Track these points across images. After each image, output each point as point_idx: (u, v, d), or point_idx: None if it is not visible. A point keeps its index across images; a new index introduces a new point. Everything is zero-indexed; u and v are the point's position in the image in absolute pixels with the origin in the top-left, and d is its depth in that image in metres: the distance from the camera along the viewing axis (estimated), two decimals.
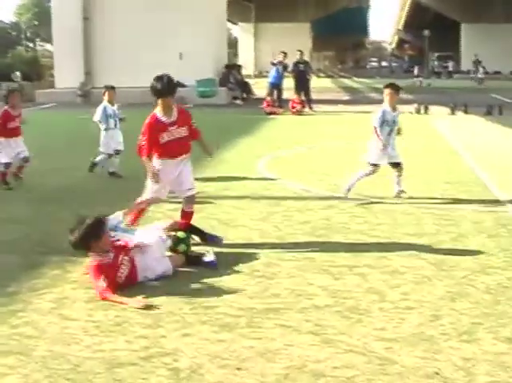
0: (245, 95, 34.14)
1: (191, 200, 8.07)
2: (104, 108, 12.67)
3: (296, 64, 28.04)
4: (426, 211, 9.35)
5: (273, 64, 28.15)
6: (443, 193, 10.76)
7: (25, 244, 7.99)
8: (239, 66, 38.92)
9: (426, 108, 26.09)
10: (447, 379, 4.59)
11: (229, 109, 28.69)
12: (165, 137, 7.68)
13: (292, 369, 4.77)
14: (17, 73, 41.02)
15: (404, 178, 10.48)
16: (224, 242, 7.97)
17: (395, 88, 10.36)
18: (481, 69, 54.24)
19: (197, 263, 7.11)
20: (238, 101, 32.79)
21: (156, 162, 7.76)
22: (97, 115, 12.69)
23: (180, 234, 7.53)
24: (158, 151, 7.73)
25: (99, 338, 5.36)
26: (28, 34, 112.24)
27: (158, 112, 7.73)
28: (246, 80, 37.25)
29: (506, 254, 7.48)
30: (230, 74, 34.71)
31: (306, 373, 4.71)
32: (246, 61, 71.11)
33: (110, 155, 12.58)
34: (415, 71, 52.45)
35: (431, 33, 73.50)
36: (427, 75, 58.87)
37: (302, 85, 27.45)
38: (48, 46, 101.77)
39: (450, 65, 71.77)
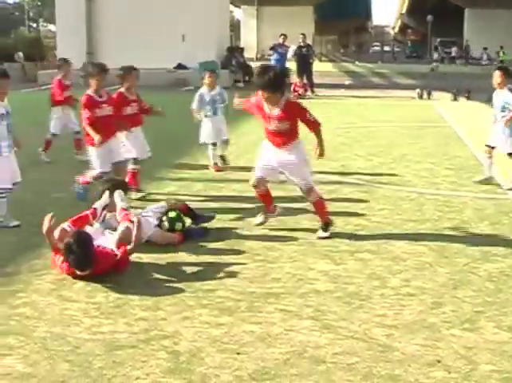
0: (247, 78, 33.98)
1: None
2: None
3: (298, 47, 27.91)
4: (428, 197, 9.32)
5: (272, 48, 28.03)
6: (446, 179, 10.72)
7: (24, 225, 7.94)
8: (241, 49, 38.69)
9: (429, 94, 25.98)
10: (448, 367, 4.57)
11: (231, 92, 28.56)
12: None
13: (292, 354, 4.75)
14: (20, 54, 40.89)
15: (407, 164, 10.43)
16: (226, 225, 7.96)
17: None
18: (485, 56, 54.08)
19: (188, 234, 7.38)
20: (239, 84, 32.63)
21: None
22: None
23: (171, 214, 7.55)
24: None
25: (99, 320, 5.34)
26: (31, 15, 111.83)
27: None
28: (249, 63, 37.06)
29: (508, 241, 7.46)
30: (233, 57, 34.53)
31: (306, 358, 4.69)
32: (249, 43, 70.82)
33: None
34: (435, 55, 52.07)
35: (434, 19, 73.14)
36: (429, 60, 58.52)
37: (304, 69, 27.32)
38: (51, 27, 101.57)
39: (453, 50, 71.48)
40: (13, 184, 8.05)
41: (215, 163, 11.39)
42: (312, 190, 7.60)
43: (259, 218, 7.94)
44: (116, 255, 6.30)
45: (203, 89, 11.39)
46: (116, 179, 8.07)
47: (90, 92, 8.83)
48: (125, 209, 7.03)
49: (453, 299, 5.77)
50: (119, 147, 9.12)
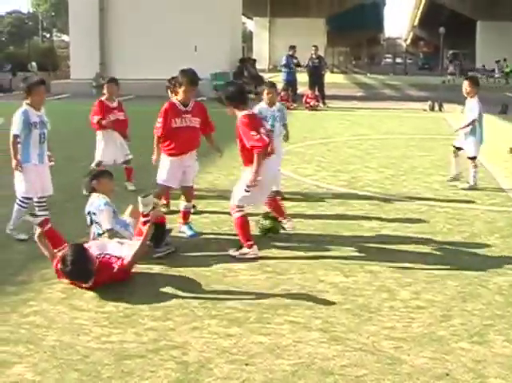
0: (258, 89, 34.08)
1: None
2: None
3: (311, 59, 27.99)
4: (439, 210, 9.30)
5: (286, 65, 28.06)
6: (457, 192, 10.70)
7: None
8: (253, 60, 38.81)
9: (440, 106, 25.95)
10: (456, 380, 4.57)
11: None
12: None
13: (300, 365, 4.75)
14: (34, 64, 41.17)
15: (418, 176, 10.43)
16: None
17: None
18: (497, 69, 54.11)
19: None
20: (251, 95, 32.73)
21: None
22: None
23: (266, 221, 8.09)
24: None
25: (108, 329, 5.36)
26: (45, 25, 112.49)
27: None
28: (260, 74, 37.15)
29: None
30: (245, 68, 34.65)
31: (314, 370, 4.69)
32: (261, 55, 71.04)
33: None
34: (450, 68, 52.08)
35: (446, 31, 73.16)
36: (440, 72, 58.53)
37: (316, 81, 27.40)
38: (64, 37, 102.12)
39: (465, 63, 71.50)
40: (40, 197, 8.02)
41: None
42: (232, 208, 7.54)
43: (288, 223, 8.00)
44: (114, 268, 6.31)
45: (262, 105, 10.01)
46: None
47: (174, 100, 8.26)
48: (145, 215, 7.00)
49: (462, 312, 5.76)
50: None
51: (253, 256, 7.24)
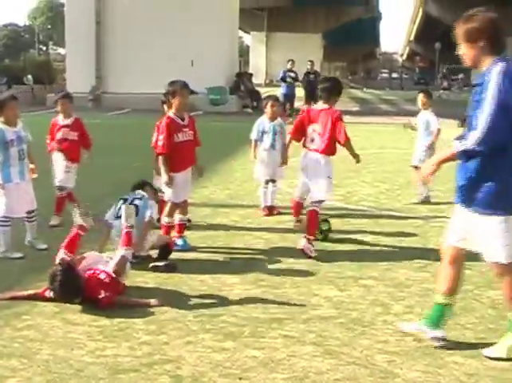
0: (255, 103, 34.17)
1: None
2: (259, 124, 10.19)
3: (306, 74, 28.13)
4: (434, 225, 9.32)
5: (282, 79, 28.21)
6: (451, 207, 10.69)
7: (31, 247, 8.00)
8: (250, 75, 38.97)
9: None
10: None
11: (239, 117, 28.69)
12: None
13: (294, 379, 4.76)
14: (29, 77, 41.23)
15: (413, 191, 10.47)
16: (232, 251, 8.03)
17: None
18: None
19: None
20: (248, 109, 32.83)
21: None
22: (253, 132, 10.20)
23: (325, 226, 8.57)
24: None
25: (102, 343, 5.36)
26: (41, 38, 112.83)
27: None
28: (257, 88, 37.28)
29: None
30: (241, 82, 34.76)
31: None
32: (258, 69, 71.22)
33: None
34: (444, 83, 52.33)
35: (442, 46, 73.47)
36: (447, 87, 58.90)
37: (312, 95, 27.46)
38: (60, 50, 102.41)
39: (461, 77, 71.84)
40: (28, 212, 8.01)
41: (268, 207, 10.11)
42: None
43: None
44: (101, 279, 6.28)
45: (264, 118, 10.10)
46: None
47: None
48: (129, 227, 7.00)
49: (455, 326, 5.77)
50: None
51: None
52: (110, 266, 6.44)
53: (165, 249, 7.46)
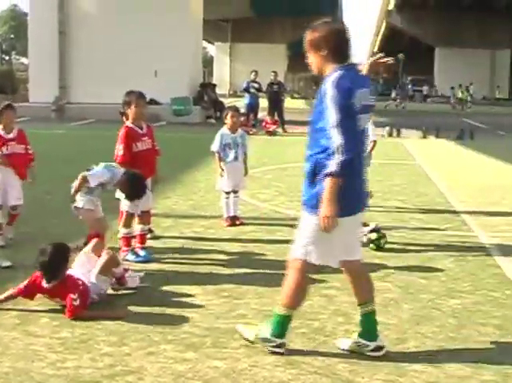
0: (218, 114, 34.18)
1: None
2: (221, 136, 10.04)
3: (270, 84, 28.23)
4: (394, 234, 9.39)
5: (246, 90, 28.34)
6: (413, 216, 10.85)
7: None
8: (214, 85, 38.95)
9: (398, 131, 26.32)
10: None
11: (203, 128, 28.70)
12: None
13: None
14: None
15: (376, 201, 10.55)
16: (193, 261, 8.02)
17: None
18: (451, 96, 55.41)
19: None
20: (211, 120, 32.83)
21: None
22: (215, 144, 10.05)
23: (373, 236, 8.58)
24: None
25: (63, 355, 5.32)
26: (3, 47, 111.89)
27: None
28: (221, 99, 37.30)
29: (472, 278, 7.56)
30: (205, 93, 34.76)
31: None
32: (222, 80, 71.37)
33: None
34: (393, 94, 53.07)
35: (406, 57, 74.20)
36: (402, 98, 59.45)
37: (276, 106, 27.64)
38: (23, 60, 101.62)
39: (425, 89, 72.64)
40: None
41: (230, 217, 10.03)
42: None
43: None
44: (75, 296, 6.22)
45: (225, 130, 10.04)
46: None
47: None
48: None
49: (416, 335, 5.83)
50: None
51: None
52: (93, 273, 6.52)
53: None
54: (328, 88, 4.97)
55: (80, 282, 6.39)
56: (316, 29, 5.23)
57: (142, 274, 7.14)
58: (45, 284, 6.28)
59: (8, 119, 8.71)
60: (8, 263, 7.67)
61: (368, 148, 10.62)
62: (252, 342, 5.49)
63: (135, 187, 7.43)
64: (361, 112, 5.04)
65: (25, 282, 6.38)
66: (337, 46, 5.15)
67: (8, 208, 8.67)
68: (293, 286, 5.42)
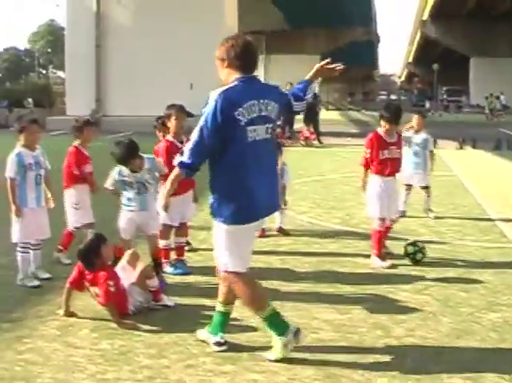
0: None
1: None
2: None
3: None
4: (434, 247, 9.31)
5: None
6: (451, 228, 10.76)
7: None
8: None
9: (434, 142, 26.08)
10: None
11: None
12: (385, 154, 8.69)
13: None
14: (30, 100, 41.45)
15: (413, 213, 10.49)
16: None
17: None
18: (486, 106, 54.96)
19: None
20: None
21: None
22: None
23: (410, 249, 8.59)
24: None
25: (103, 367, 5.36)
26: (41, 61, 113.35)
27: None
28: None
29: None
30: None
31: None
32: None
33: None
34: (427, 105, 52.85)
35: (440, 67, 73.85)
36: (436, 108, 59.19)
37: (311, 117, 27.59)
38: (60, 73, 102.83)
39: (463, 99, 72.23)
40: (42, 240, 7.86)
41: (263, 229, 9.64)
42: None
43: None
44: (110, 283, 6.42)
45: None
46: None
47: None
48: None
49: (456, 349, 5.78)
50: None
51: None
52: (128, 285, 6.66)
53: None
54: (211, 98, 5.25)
55: (120, 281, 6.56)
56: (223, 42, 5.49)
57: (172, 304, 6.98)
58: (86, 271, 6.51)
59: (88, 135, 8.70)
60: (47, 275, 7.76)
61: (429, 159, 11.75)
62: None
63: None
64: (253, 123, 5.26)
65: (71, 275, 6.63)
66: (237, 59, 5.38)
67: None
68: (244, 296, 5.66)
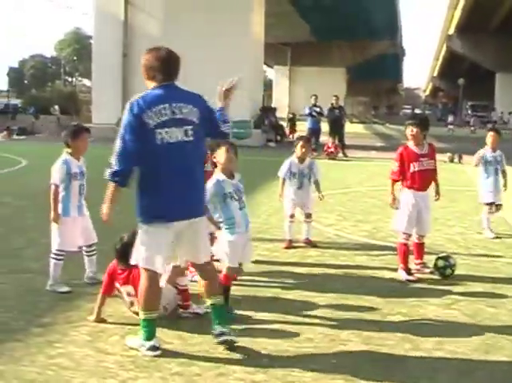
0: (279, 138, 34.33)
1: None
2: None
3: (331, 109, 28.22)
4: (461, 262, 9.28)
5: (309, 114, 28.24)
6: (478, 244, 10.73)
7: (62, 276, 8.05)
8: (274, 109, 39.17)
9: (460, 157, 26.04)
10: None
11: (263, 151, 28.87)
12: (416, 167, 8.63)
13: None
14: (56, 107, 41.84)
15: (440, 228, 10.48)
16: (258, 284, 8.06)
17: None
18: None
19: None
20: (271, 143, 32.98)
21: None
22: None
23: (440, 263, 8.59)
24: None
25: (134, 373, 5.42)
26: (67, 69, 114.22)
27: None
28: (281, 123, 37.44)
29: None
30: (265, 117, 34.94)
31: None
32: (281, 103, 71.54)
33: None
34: (449, 119, 52.73)
35: (465, 82, 73.61)
36: (459, 123, 58.94)
37: (336, 131, 27.61)
38: (86, 81, 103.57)
39: (493, 114, 71.72)
40: (88, 246, 7.96)
41: (290, 240, 10.12)
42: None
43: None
44: None
45: (294, 159, 10.20)
46: None
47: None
48: None
49: (485, 364, 5.78)
50: None
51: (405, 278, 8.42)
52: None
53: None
54: (127, 105, 5.71)
55: None
56: (143, 55, 5.98)
57: (204, 309, 6.84)
58: (119, 270, 6.64)
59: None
60: (67, 289, 7.70)
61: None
62: (136, 349, 5.83)
63: None
64: (164, 126, 5.60)
65: (103, 283, 6.74)
66: (153, 69, 5.84)
67: None
68: (142, 291, 5.86)
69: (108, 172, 5.64)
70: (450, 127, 49.90)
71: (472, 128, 50.62)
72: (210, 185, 6.79)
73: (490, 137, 11.84)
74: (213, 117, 6.06)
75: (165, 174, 5.62)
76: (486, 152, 11.84)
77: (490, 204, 11.64)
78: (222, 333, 5.96)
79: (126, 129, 5.63)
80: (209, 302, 6.09)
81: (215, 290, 6.09)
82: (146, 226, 5.75)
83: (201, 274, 6.15)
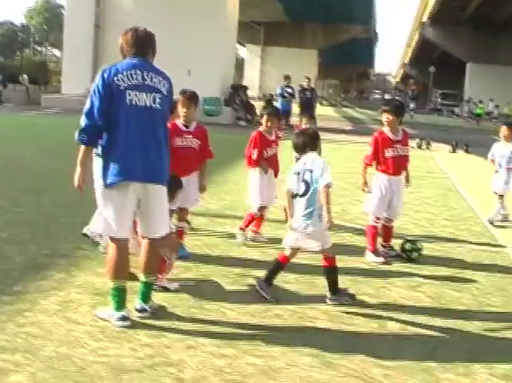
0: (249, 116, 34.29)
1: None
2: None
3: (302, 90, 28.26)
4: (426, 247, 9.42)
5: (280, 95, 28.31)
6: (444, 230, 10.90)
7: (32, 246, 8.07)
8: (245, 87, 39.06)
9: (428, 144, 26.27)
10: None
11: (233, 130, 28.86)
12: None
13: None
14: (25, 76, 41.32)
15: (407, 213, 10.61)
16: (228, 260, 8.12)
17: None
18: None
19: None
20: (242, 122, 32.95)
21: None
22: None
23: (407, 246, 8.77)
24: None
25: (104, 343, 5.46)
26: (37, 38, 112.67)
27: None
28: (251, 102, 37.39)
29: (502, 293, 7.63)
30: (236, 95, 34.88)
31: None
32: (252, 82, 71.40)
33: None
34: (411, 105, 53.21)
35: (436, 71, 74.03)
36: (428, 111, 59.37)
37: (307, 112, 27.61)
38: (55, 51, 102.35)
39: (468, 106, 72.25)
40: None
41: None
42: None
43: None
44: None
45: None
46: None
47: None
48: None
49: (449, 345, 5.93)
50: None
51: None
52: None
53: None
54: (100, 71, 5.97)
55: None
56: (121, 35, 6.24)
57: (177, 285, 7.04)
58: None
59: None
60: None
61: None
62: (105, 319, 5.93)
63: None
64: (134, 89, 5.82)
65: None
66: (127, 45, 6.11)
67: None
68: (109, 259, 5.97)
69: (76, 135, 5.85)
70: (411, 113, 50.31)
71: (411, 113, 51.16)
72: None
73: (503, 131, 11.95)
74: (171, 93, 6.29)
75: (129, 135, 5.78)
76: (502, 145, 12.03)
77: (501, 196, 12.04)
78: (143, 309, 6.14)
79: (96, 90, 5.80)
80: (143, 278, 6.19)
81: (154, 269, 6.28)
82: (107, 190, 5.87)
83: (148, 248, 6.16)
